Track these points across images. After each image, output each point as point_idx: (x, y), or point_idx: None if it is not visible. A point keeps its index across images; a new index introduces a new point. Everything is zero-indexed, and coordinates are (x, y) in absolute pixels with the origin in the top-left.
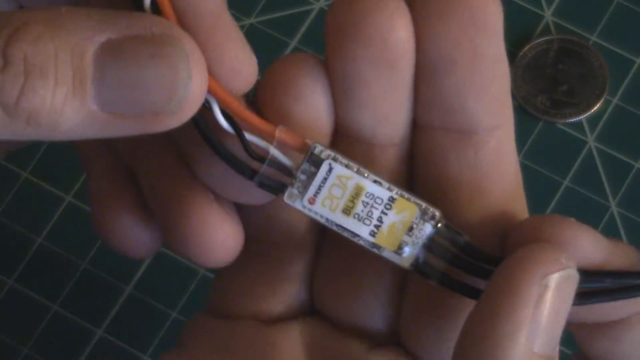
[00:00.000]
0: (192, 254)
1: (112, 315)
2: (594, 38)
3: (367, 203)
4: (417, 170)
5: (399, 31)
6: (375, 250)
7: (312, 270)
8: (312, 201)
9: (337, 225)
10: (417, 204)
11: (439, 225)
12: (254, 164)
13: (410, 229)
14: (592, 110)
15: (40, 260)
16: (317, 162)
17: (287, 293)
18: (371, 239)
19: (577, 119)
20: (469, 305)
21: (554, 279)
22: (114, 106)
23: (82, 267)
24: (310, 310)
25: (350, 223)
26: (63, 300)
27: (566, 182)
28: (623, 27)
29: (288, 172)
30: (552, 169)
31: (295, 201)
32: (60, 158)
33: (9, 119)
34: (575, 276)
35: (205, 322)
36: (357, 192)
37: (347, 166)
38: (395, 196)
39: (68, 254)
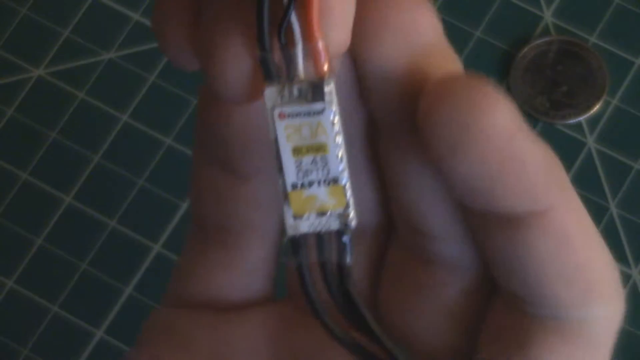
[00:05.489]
0: (217, 74)
1: (112, 317)
2: (593, 39)
3: (316, 163)
4: None
5: None
6: (282, 198)
7: (273, 256)
8: (281, 116)
9: (278, 152)
10: (347, 204)
11: (343, 236)
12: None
13: (322, 214)
14: (592, 112)
15: (40, 261)
16: (317, 96)
17: (246, 279)
18: (289, 189)
19: (577, 120)
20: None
21: None
22: None
23: (81, 269)
24: (272, 297)
25: (288, 162)
26: (63, 301)
27: None
28: (622, 28)
29: (290, 76)
30: None
31: (269, 101)
32: (60, 159)
33: None
34: None
35: (165, 315)
36: (318, 148)
37: (332, 124)
38: (340, 181)
39: (68, 255)
